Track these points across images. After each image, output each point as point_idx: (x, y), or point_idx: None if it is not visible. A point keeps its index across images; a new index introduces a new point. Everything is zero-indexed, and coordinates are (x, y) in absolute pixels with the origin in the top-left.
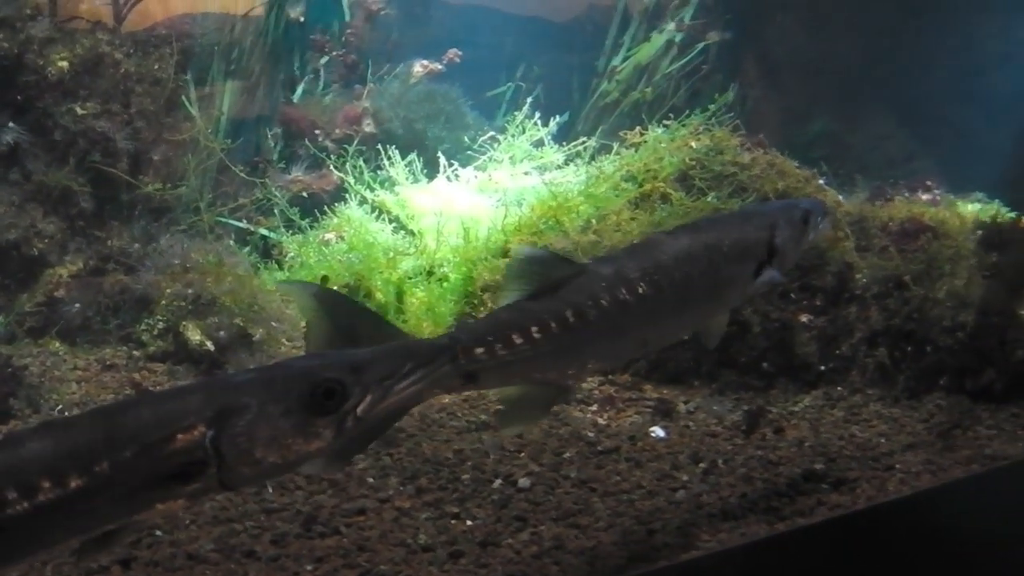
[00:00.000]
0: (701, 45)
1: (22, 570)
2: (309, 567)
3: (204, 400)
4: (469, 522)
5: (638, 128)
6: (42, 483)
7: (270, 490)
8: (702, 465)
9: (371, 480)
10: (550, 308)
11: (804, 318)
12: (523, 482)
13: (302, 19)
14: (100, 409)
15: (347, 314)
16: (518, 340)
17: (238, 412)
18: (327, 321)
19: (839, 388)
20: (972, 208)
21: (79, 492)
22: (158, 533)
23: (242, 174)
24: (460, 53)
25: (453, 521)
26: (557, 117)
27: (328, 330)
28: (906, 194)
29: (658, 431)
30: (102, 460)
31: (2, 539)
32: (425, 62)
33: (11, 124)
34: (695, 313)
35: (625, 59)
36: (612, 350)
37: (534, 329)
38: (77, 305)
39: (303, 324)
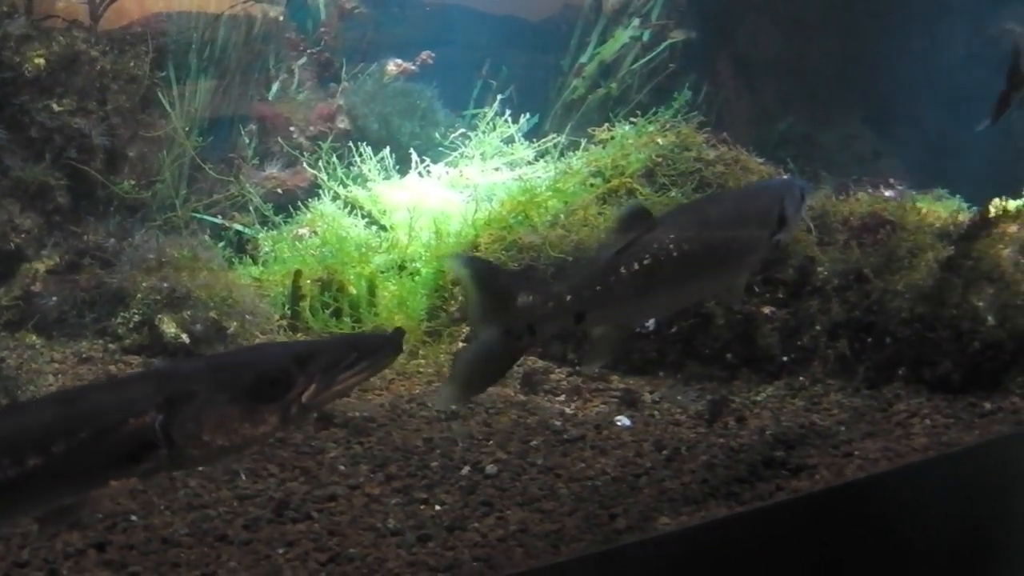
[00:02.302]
0: (667, 43)
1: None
2: (281, 551)
3: (155, 387)
4: (437, 507)
5: (606, 125)
6: (3, 460)
7: (243, 477)
8: (665, 452)
9: (342, 468)
10: (636, 256)
11: (767, 310)
12: (490, 469)
13: (281, 18)
14: (60, 394)
15: (496, 278)
16: (617, 285)
17: (187, 399)
18: (479, 287)
19: (800, 378)
20: (945, 205)
21: (38, 469)
22: (133, 518)
23: (215, 172)
24: (433, 55)
25: (422, 507)
26: (527, 115)
27: (481, 295)
28: (869, 190)
29: (623, 420)
30: (60, 441)
31: None
32: (399, 61)
33: None
34: (729, 272)
35: (592, 57)
36: (677, 300)
37: (627, 275)
38: (54, 299)
39: (277, 317)
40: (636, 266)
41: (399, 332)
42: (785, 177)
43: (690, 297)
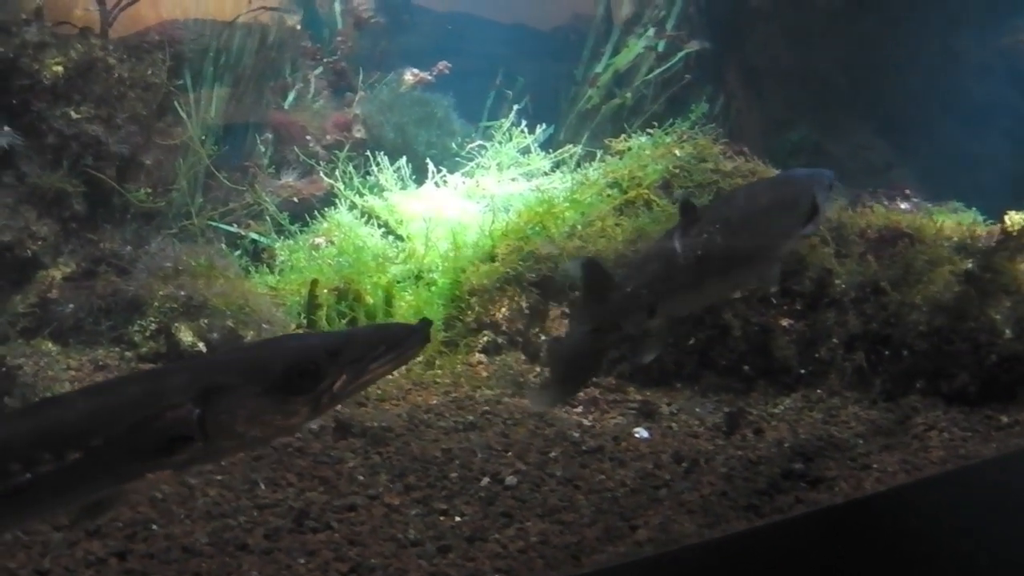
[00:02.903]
0: (682, 53)
1: (21, 561)
2: (301, 560)
3: (190, 379)
4: (457, 518)
5: (623, 136)
6: (42, 455)
7: (262, 486)
8: (684, 464)
9: (361, 478)
10: (692, 247)
11: (784, 322)
12: (510, 480)
13: (298, 27)
14: (96, 387)
15: (605, 283)
16: (679, 276)
17: (221, 391)
18: (588, 289)
19: (818, 391)
20: (961, 218)
21: (76, 463)
22: (154, 527)
23: (227, 182)
24: (449, 65)
25: (441, 517)
26: (543, 125)
27: (589, 295)
28: (884, 202)
29: (641, 432)
30: (98, 434)
31: (5, 505)
32: (416, 70)
33: (6, 128)
34: (769, 260)
35: (606, 67)
36: (724, 288)
37: (686, 266)
38: (70, 306)
39: (293, 326)
40: (693, 257)
41: (426, 322)
42: (813, 169)
43: (734, 286)
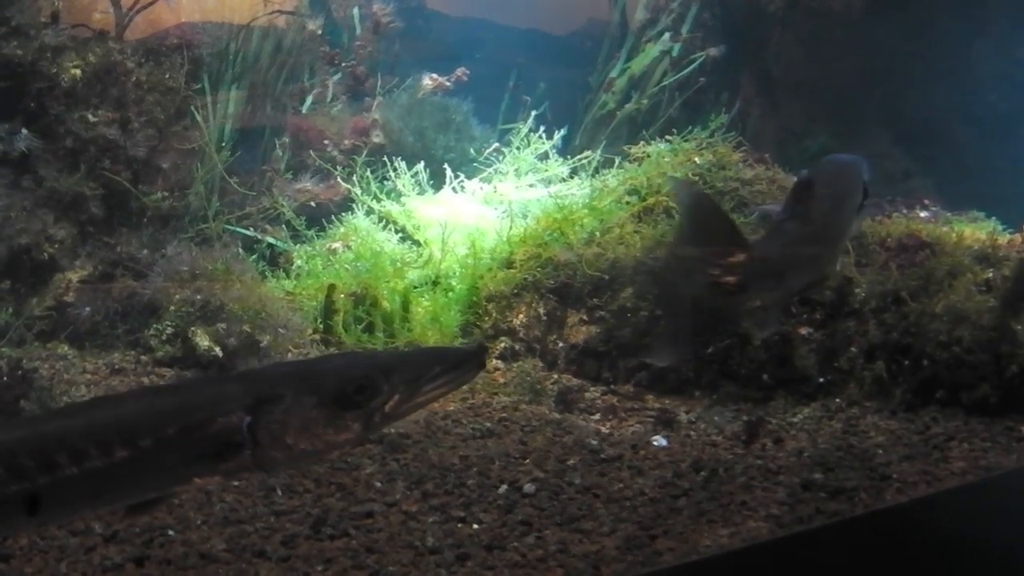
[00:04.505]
0: (700, 57)
1: (37, 566)
2: (319, 567)
3: (244, 388)
4: (475, 526)
5: (641, 142)
6: (90, 450)
7: (279, 492)
8: (703, 473)
9: (378, 484)
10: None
11: (803, 331)
12: (528, 488)
13: (320, 31)
14: (151, 388)
15: (710, 216)
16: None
17: (274, 401)
18: (692, 217)
19: (837, 400)
20: (981, 227)
21: (125, 463)
22: (170, 533)
23: (241, 188)
24: (468, 72)
25: (459, 525)
26: (560, 131)
27: (691, 225)
28: (904, 211)
29: (660, 440)
30: (147, 435)
31: (53, 500)
32: (435, 75)
33: (23, 131)
34: (845, 237)
35: (622, 72)
36: (818, 265)
37: (801, 240)
38: (87, 309)
39: (310, 331)
40: (804, 233)
41: (482, 348)
42: (849, 156)
43: (825, 263)
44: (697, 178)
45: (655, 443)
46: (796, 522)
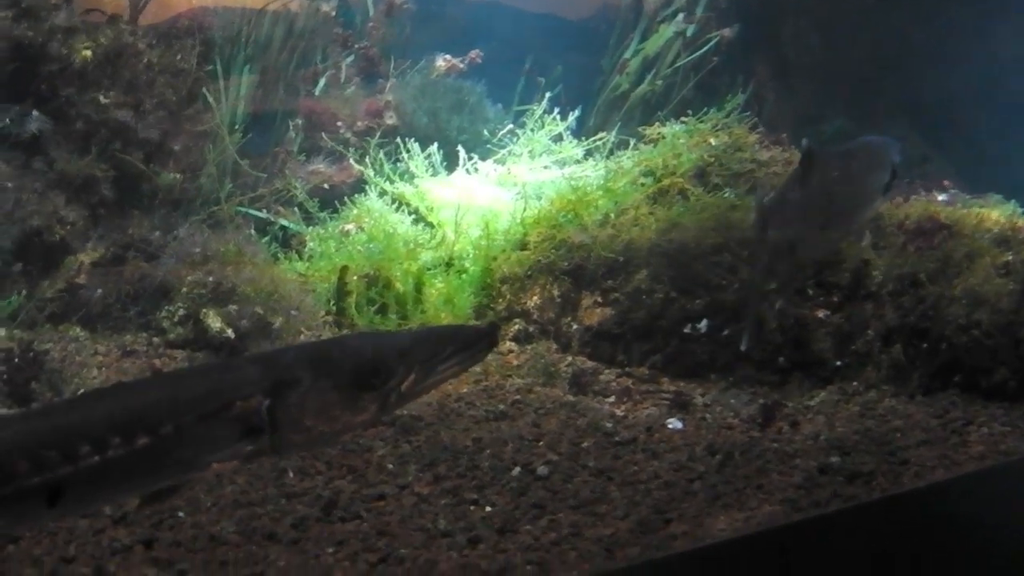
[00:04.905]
0: (714, 37)
1: (46, 547)
2: (330, 550)
3: (262, 372)
4: (488, 508)
5: (656, 124)
6: (112, 439)
7: (291, 474)
8: (718, 456)
9: (390, 467)
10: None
11: (820, 314)
12: (541, 470)
13: (333, 13)
14: (168, 375)
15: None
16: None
17: (292, 384)
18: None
19: (854, 384)
20: (1001, 210)
21: (146, 451)
22: (180, 515)
23: (253, 170)
24: (481, 54)
25: (471, 507)
26: (574, 112)
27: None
28: (922, 194)
29: (675, 423)
30: (167, 422)
31: (74, 491)
32: (448, 57)
33: (35, 112)
34: (867, 211)
35: (635, 53)
36: (837, 237)
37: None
38: (98, 291)
39: (323, 313)
40: (819, 202)
41: (494, 327)
42: (879, 136)
43: (839, 238)
44: (713, 159)
45: (670, 426)
46: (813, 506)
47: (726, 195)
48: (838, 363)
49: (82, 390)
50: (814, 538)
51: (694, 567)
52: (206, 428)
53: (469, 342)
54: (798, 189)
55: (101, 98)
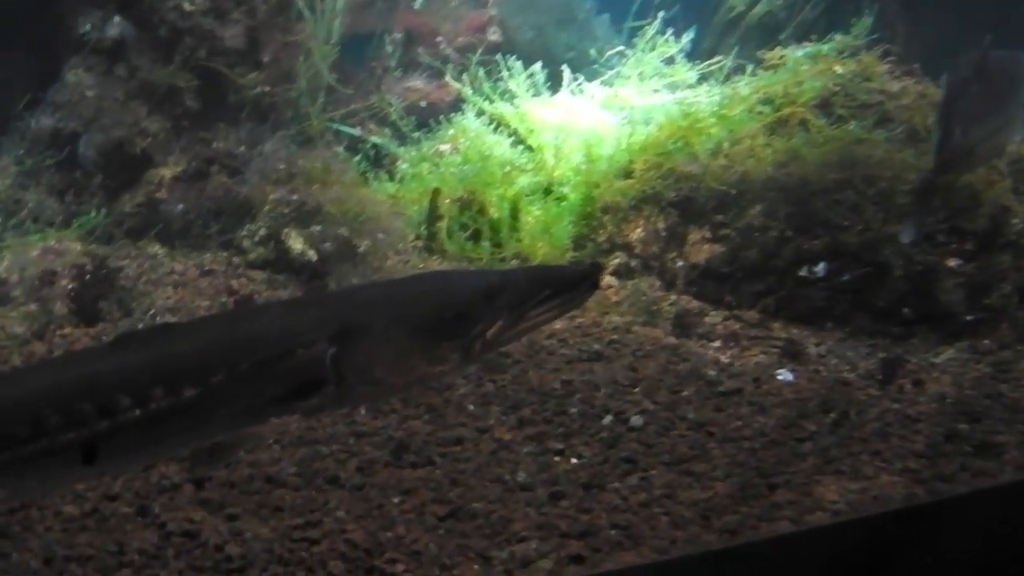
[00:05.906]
0: None
1: (91, 484)
2: (396, 499)
3: (328, 315)
4: (574, 460)
5: (776, 48)
6: (155, 390)
7: (362, 411)
8: (832, 415)
9: (471, 407)
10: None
11: (951, 263)
12: (635, 420)
13: None
14: (224, 315)
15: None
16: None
17: (362, 330)
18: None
19: (986, 341)
20: None
21: (192, 401)
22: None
23: (346, 86)
24: None
25: (556, 458)
26: (689, 33)
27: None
28: None
29: (785, 374)
30: (218, 370)
31: (113, 447)
32: None
33: (117, 18)
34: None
35: None
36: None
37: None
38: (179, 207)
39: (412, 237)
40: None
41: (596, 267)
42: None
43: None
44: (838, 88)
45: (780, 377)
46: (936, 479)
47: (851, 128)
48: (969, 317)
49: (152, 311)
50: (937, 524)
51: (798, 551)
52: (262, 378)
53: (567, 284)
54: (978, 95)
55: (186, 5)
